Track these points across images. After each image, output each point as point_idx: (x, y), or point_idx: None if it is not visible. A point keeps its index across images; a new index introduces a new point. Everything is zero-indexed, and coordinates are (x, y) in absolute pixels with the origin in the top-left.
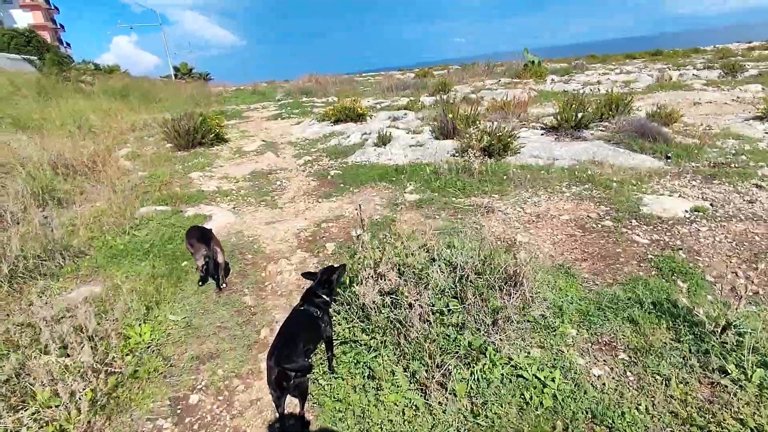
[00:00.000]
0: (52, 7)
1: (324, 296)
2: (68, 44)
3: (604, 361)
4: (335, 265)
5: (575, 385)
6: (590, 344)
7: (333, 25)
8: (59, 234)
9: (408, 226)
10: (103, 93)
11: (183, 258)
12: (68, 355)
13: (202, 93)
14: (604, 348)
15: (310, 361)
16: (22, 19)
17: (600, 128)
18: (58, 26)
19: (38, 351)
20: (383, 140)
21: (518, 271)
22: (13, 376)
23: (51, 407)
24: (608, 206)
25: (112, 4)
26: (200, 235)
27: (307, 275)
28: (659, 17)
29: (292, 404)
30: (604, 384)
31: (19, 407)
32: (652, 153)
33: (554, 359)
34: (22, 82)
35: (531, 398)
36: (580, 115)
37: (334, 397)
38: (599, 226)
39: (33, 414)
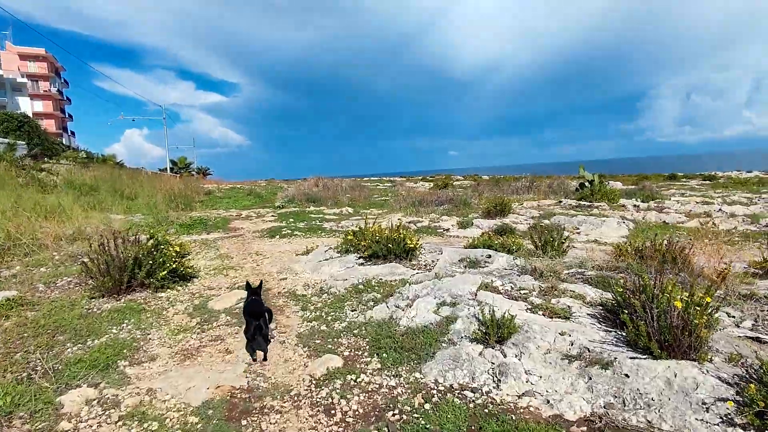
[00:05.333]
0: (64, 98)
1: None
2: (73, 133)
3: None
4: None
5: None
6: None
7: (333, 134)
8: None
9: None
10: (68, 185)
11: None
12: None
13: (188, 190)
14: None
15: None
16: (29, 107)
17: None
18: (67, 116)
19: None
20: (497, 332)
21: None
22: None
23: None
24: None
25: (132, 101)
26: None
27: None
28: (639, 144)
29: None
30: None
31: None
32: None
33: None
34: None
35: None
36: None
37: None
38: None
39: None
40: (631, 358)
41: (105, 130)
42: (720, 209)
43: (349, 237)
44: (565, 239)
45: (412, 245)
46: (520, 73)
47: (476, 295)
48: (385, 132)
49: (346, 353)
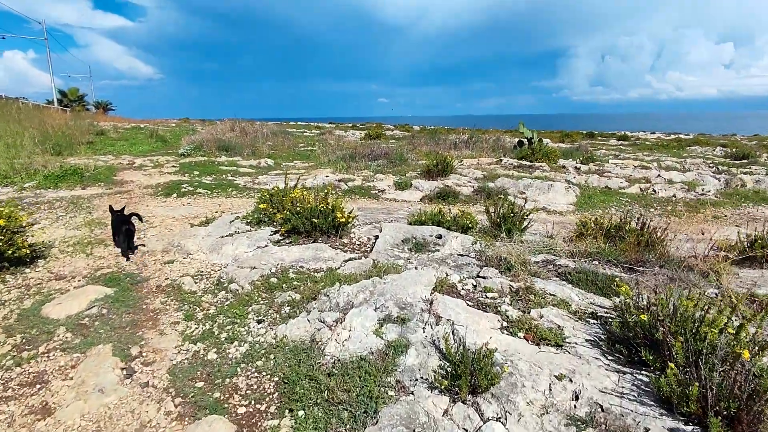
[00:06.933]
0: None
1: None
2: None
3: None
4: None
5: None
6: None
7: (255, 71)
8: None
9: None
10: None
11: None
12: None
13: (72, 128)
14: None
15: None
16: None
17: None
18: None
19: None
20: (471, 379)
21: None
22: None
23: None
24: None
25: (4, 16)
26: None
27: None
28: (556, 101)
29: None
30: None
31: None
32: None
33: None
34: None
35: None
36: None
37: None
38: None
39: None
40: (669, 429)
41: None
42: (659, 175)
43: (262, 205)
44: (527, 214)
45: (343, 219)
46: (450, 20)
47: (431, 302)
48: (312, 73)
49: (242, 410)
